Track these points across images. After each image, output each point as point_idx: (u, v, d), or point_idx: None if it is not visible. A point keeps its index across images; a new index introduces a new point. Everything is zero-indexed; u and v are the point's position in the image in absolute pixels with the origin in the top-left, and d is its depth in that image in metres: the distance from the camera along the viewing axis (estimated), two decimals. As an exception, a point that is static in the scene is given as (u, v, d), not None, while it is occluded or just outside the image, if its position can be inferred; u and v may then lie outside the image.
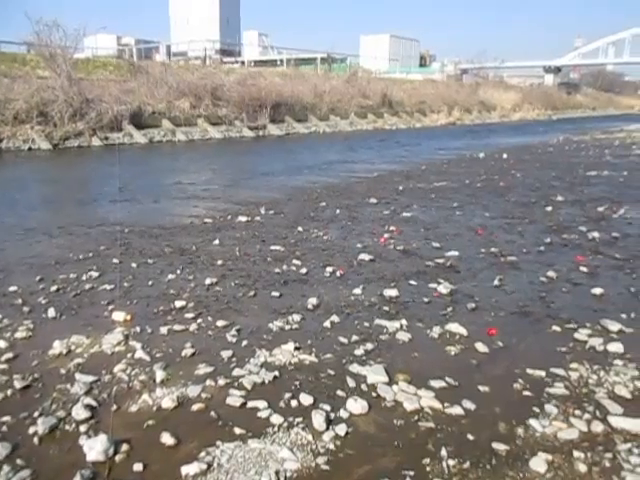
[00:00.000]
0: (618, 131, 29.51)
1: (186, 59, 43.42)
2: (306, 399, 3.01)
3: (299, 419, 2.84)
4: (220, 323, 4.06)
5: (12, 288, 4.77)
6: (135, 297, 4.62)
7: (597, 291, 4.72)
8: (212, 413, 2.90)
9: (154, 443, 2.65)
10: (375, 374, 3.28)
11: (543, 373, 3.33)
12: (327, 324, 4.05)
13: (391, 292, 4.68)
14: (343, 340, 3.79)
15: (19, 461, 2.52)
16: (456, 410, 2.93)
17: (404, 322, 4.08)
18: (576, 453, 2.57)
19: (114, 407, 2.95)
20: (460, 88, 49.94)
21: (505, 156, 16.31)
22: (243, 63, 49.32)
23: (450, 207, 8.62)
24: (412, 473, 2.45)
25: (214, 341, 3.80)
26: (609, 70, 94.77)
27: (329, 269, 5.34)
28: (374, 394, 3.10)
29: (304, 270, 5.33)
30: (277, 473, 2.43)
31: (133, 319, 4.13)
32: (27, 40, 21.29)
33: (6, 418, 2.84)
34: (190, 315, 4.22)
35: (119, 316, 4.14)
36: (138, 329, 3.95)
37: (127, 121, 20.19)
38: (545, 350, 3.68)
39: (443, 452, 2.58)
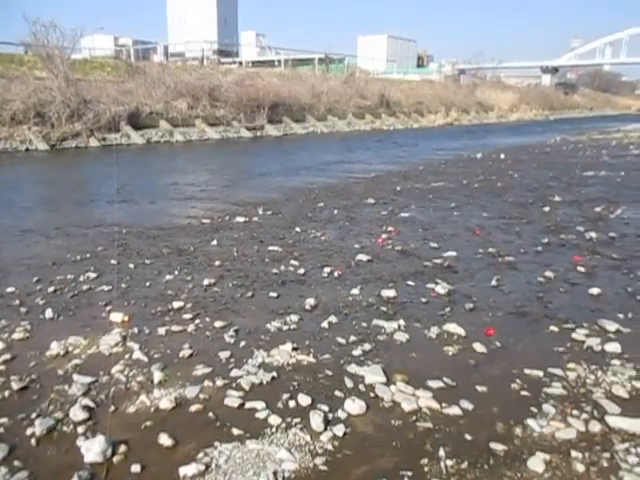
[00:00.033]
0: (615, 131, 29.57)
1: (184, 60, 43.43)
2: (304, 400, 3.01)
3: (297, 420, 2.83)
4: (218, 324, 4.05)
5: (9, 289, 4.76)
6: (133, 298, 4.61)
7: (594, 291, 4.73)
8: (210, 414, 2.90)
9: (152, 444, 2.65)
10: (373, 374, 3.28)
11: (541, 373, 3.33)
12: (325, 324, 4.05)
13: (389, 292, 4.68)
14: (341, 340, 3.79)
15: (16, 463, 2.51)
16: (454, 410, 2.93)
17: (402, 322, 4.08)
18: (574, 453, 2.58)
19: (112, 408, 2.94)
20: (457, 89, 50.02)
21: (502, 156, 16.33)
22: (241, 64, 49.33)
23: (448, 207, 8.62)
24: (410, 473, 2.45)
25: (212, 342, 3.80)
26: (606, 70, 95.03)
27: (327, 269, 5.34)
28: (372, 394, 3.10)
29: (302, 271, 5.33)
30: (275, 474, 2.43)
31: (131, 320, 4.12)
32: (24, 41, 21.27)
33: (3, 419, 2.83)
34: (188, 316, 4.21)
35: (117, 317, 4.13)
36: (136, 330, 3.95)
37: (125, 122, 20.18)
38: (543, 350, 3.68)
39: (441, 452, 2.58)
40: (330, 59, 51.06)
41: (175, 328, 3.98)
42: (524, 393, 3.13)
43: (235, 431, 2.74)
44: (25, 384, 3.19)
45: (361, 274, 5.27)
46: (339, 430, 2.74)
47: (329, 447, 2.63)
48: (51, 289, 4.77)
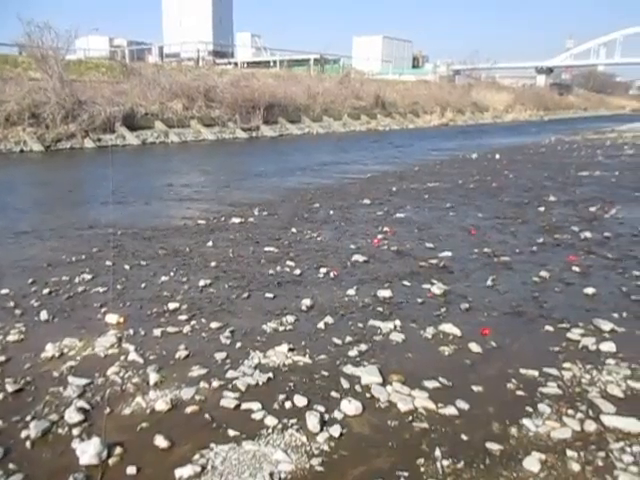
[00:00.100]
0: (609, 131, 29.69)
1: (179, 60, 43.36)
2: (300, 400, 3.01)
3: (293, 420, 2.83)
4: (214, 325, 4.05)
5: (4, 291, 4.73)
6: (128, 299, 4.60)
7: (589, 291, 4.75)
8: (206, 415, 2.89)
9: (148, 446, 2.64)
10: (369, 375, 3.29)
11: (536, 373, 3.34)
12: (321, 325, 4.05)
13: (385, 293, 4.69)
14: (337, 341, 3.79)
15: (11, 465, 2.50)
16: (450, 410, 2.94)
17: (398, 323, 4.08)
18: (569, 452, 2.58)
19: (107, 410, 2.93)
20: (453, 89, 50.11)
21: (498, 157, 16.37)
22: (236, 64, 49.31)
23: (443, 208, 8.64)
24: (406, 474, 2.45)
25: (208, 343, 3.79)
26: (600, 71, 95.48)
27: (323, 270, 5.34)
28: (368, 395, 3.10)
29: (298, 271, 5.33)
30: (271, 475, 2.43)
31: (126, 321, 4.11)
32: (18, 41, 21.20)
33: (-2, 422, 2.82)
34: (184, 317, 4.21)
35: (112, 318, 4.12)
36: (131, 331, 3.94)
37: (120, 123, 20.12)
38: (538, 350, 3.69)
39: (437, 452, 2.58)
40: (325, 60, 51.11)
41: (171, 329, 3.97)
42: (520, 393, 3.13)
43: (231, 432, 2.73)
44: (20, 386, 3.17)
45: (357, 275, 5.27)
46: (335, 431, 2.73)
47: (325, 448, 2.63)
48: (46, 291, 4.75)
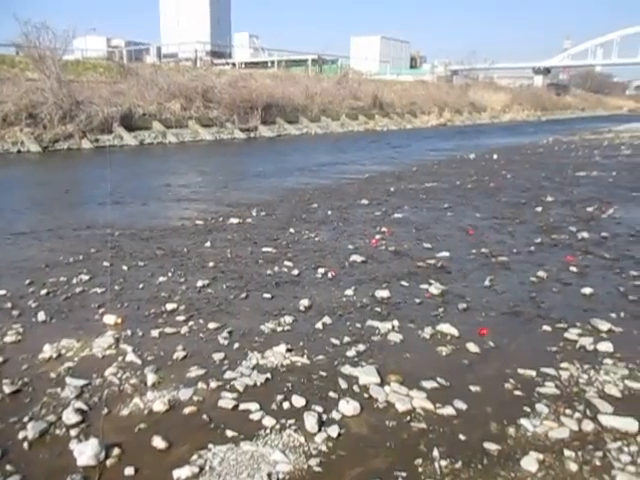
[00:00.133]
0: (607, 132, 29.75)
1: (176, 61, 43.32)
2: (298, 401, 3.01)
3: (291, 421, 2.83)
4: (212, 325, 4.05)
5: (1, 292, 4.72)
6: (126, 300, 4.59)
7: (587, 291, 4.75)
8: (204, 416, 2.89)
9: (145, 447, 2.64)
10: (367, 375, 3.29)
11: (534, 373, 3.35)
12: (319, 325, 4.05)
13: (383, 293, 4.69)
14: (335, 341, 3.79)
15: (8, 467, 2.49)
16: (448, 410, 2.94)
17: (396, 323, 4.08)
18: (567, 452, 2.59)
19: (105, 411, 2.93)
20: (450, 89, 50.18)
21: (495, 157, 16.39)
22: (234, 65, 49.31)
23: (441, 208, 8.65)
24: (404, 474, 2.45)
25: (206, 343, 3.79)
26: (598, 71, 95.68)
27: (321, 270, 5.34)
28: (366, 395, 3.10)
29: (296, 272, 5.33)
30: (269, 475, 2.43)
31: (124, 322, 4.10)
32: (16, 42, 21.17)
33: (-5, 423, 2.82)
34: (181, 318, 4.20)
35: (110, 319, 4.12)
36: (129, 332, 3.93)
37: (117, 123, 20.11)
38: (536, 350, 3.70)
39: (435, 452, 2.59)
40: (323, 60, 51.13)
41: (169, 330, 3.96)
42: (517, 393, 3.14)
43: (229, 433, 2.73)
44: (17, 387, 3.17)
45: (355, 275, 5.27)
46: (333, 431, 2.73)
47: (323, 448, 2.63)
48: (44, 292, 4.74)
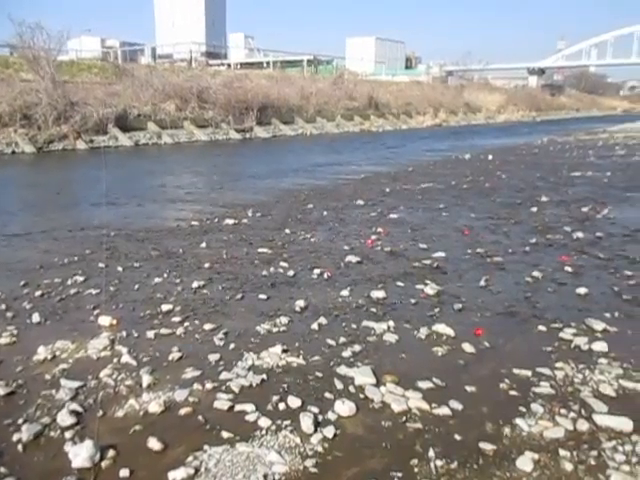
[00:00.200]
0: (601, 132, 29.86)
1: (171, 61, 43.26)
2: (294, 402, 3.00)
3: (287, 422, 2.83)
4: (207, 326, 4.04)
5: (-5, 293, 4.70)
6: (121, 301, 4.58)
7: (582, 291, 4.77)
8: (199, 417, 2.89)
9: (141, 448, 2.63)
10: (363, 376, 3.29)
11: (529, 373, 3.35)
12: (315, 326, 4.05)
13: (378, 294, 4.69)
14: (331, 342, 3.79)
15: (2, 469, 2.48)
16: (443, 411, 2.94)
17: (391, 323, 4.09)
18: (562, 452, 2.59)
19: (100, 413, 2.92)
20: (446, 90, 50.32)
21: (490, 157, 16.44)
22: (229, 65, 49.28)
23: (436, 208, 8.66)
24: (400, 474, 2.45)
25: (201, 344, 3.78)
26: (592, 72, 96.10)
27: (316, 271, 5.34)
28: (362, 396, 3.10)
29: (291, 272, 5.32)
30: (265, 477, 2.42)
31: (119, 323, 4.09)
32: (10, 42, 21.11)
33: (-10, 425, 2.80)
34: (177, 319, 4.19)
35: (105, 320, 4.10)
36: (124, 333, 3.92)
37: (112, 124, 20.07)
38: (531, 350, 3.71)
39: (431, 453, 2.59)
40: (319, 61, 51.21)
41: (164, 331, 3.95)
42: (513, 393, 3.14)
43: (225, 434, 2.72)
44: (12, 389, 3.15)
45: (351, 275, 5.27)
46: (329, 432, 2.73)
47: (319, 449, 2.63)
48: (38, 293, 4.72)
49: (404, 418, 2.89)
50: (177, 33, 57.10)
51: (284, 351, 3.63)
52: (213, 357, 3.55)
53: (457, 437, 2.72)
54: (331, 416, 2.88)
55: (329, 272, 5.31)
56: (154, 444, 2.63)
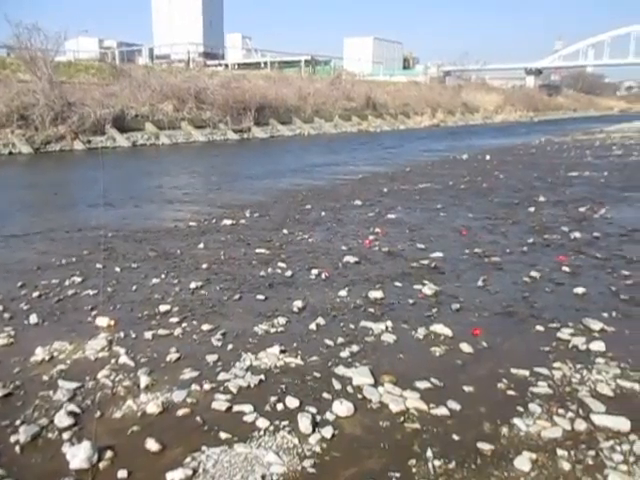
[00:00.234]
0: (598, 132, 29.93)
1: (169, 62, 43.24)
2: (292, 402, 3.00)
3: (285, 422, 2.83)
4: (205, 327, 4.03)
5: (-7, 294, 4.69)
6: (119, 302, 4.57)
7: (579, 290, 4.78)
8: (197, 418, 2.88)
9: (139, 449, 2.62)
10: (361, 376, 3.29)
11: (527, 372, 3.36)
12: (313, 327, 4.05)
13: (376, 294, 4.69)
14: (329, 342, 3.79)
15: (0, 471, 2.47)
16: (441, 411, 2.94)
17: (389, 324, 4.09)
18: (560, 451, 2.60)
19: (98, 414, 2.91)
20: (443, 90, 50.38)
21: (488, 157, 16.46)
22: (227, 66, 49.27)
23: (434, 208, 8.67)
24: (398, 474, 2.45)
25: (199, 345, 3.77)
26: (589, 72, 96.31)
27: (314, 271, 5.34)
28: (360, 396, 3.10)
29: (289, 273, 5.32)
30: (263, 477, 2.42)
31: (117, 324, 4.08)
32: (7, 43, 21.10)
33: (-13, 427, 2.79)
34: (175, 319, 4.19)
35: (103, 321, 4.10)
36: (122, 334, 3.91)
37: (110, 124, 20.06)
38: (529, 350, 3.71)
39: (429, 453, 2.59)
40: (316, 61, 51.22)
41: (162, 332, 3.95)
42: (511, 393, 3.15)
43: (223, 435, 2.72)
44: (9, 391, 3.15)
45: (348, 276, 5.27)
46: (327, 432, 2.73)
47: (317, 449, 2.63)
48: (36, 294, 4.72)
49: (402, 418, 2.89)
50: (174, 34, 57.03)
51: (282, 352, 3.63)
52: (211, 358, 3.55)
53: (455, 437, 2.72)
54: (329, 416, 2.88)
55: (327, 272, 5.31)
56: (152, 445, 2.63)
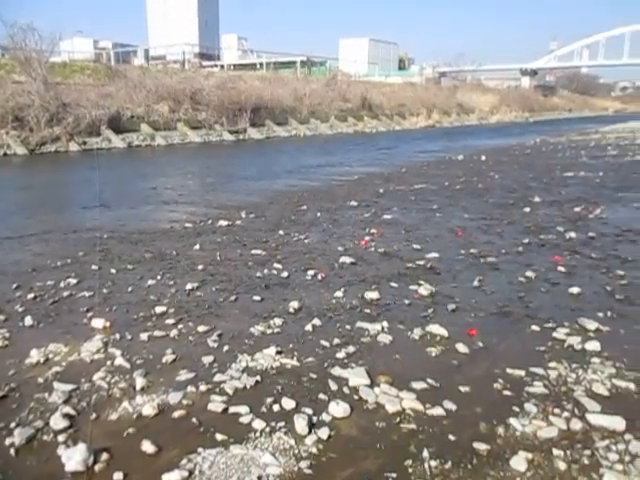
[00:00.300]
0: (593, 132, 30.04)
1: (165, 63, 43.17)
2: (288, 403, 3.00)
3: (281, 423, 2.82)
4: (201, 328, 4.03)
5: (-13, 296, 4.67)
6: (114, 303, 4.56)
7: (574, 290, 4.79)
8: (193, 419, 2.88)
9: (134, 451, 2.62)
10: (357, 377, 3.29)
11: (523, 372, 3.37)
12: (309, 328, 4.05)
13: (372, 294, 4.69)
14: (325, 343, 3.79)
15: (-5, 473, 2.47)
16: (437, 411, 2.95)
17: (385, 324, 4.09)
18: (555, 451, 2.60)
19: (93, 416, 2.90)
20: (439, 91, 50.48)
21: (483, 158, 16.49)
22: (222, 67, 49.22)
23: (430, 209, 8.68)
24: (394, 475, 2.45)
25: (195, 347, 3.77)
26: (584, 73, 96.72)
27: (310, 272, 5.34)
28: (356, 397, 3.10)
29: (285, 274, 5.32)
30: (260, 478, 2.42)
31: (113, 326, 4.07)
32: (1, 44, 21.02)
33: (-18, 429, 2.78)
34: (171, 321, 4.18)
35: (98, 323, 4.08)
36: (118, 336, 3.90)
37: (105, 126, 20.00)
38: (524, 350, 3.72)
39: (425, 453, 2.59)
40: (312, 62, 51.25)
41: (158, 333, 3.94)
42: (506, 393, 3.15)
43: (219, 436, 2.72)
44: (4, 393, 3.13)
45: (345, 276, 5.27)
46: (323, 433, 2.73)
47: (313, 450, 2.62)
48: (30, 296, 4.70)
49: (398, 419, 2.89)
50: (170, 34, 56.98)
51: (278, 352, 3.63)
52: (207, 359, 3.54)
53: (451, 437, 2.72)
54: (325, 417, 2.88)
55: (323, 273, 5.31)
56: (148, 447, 2.62)
